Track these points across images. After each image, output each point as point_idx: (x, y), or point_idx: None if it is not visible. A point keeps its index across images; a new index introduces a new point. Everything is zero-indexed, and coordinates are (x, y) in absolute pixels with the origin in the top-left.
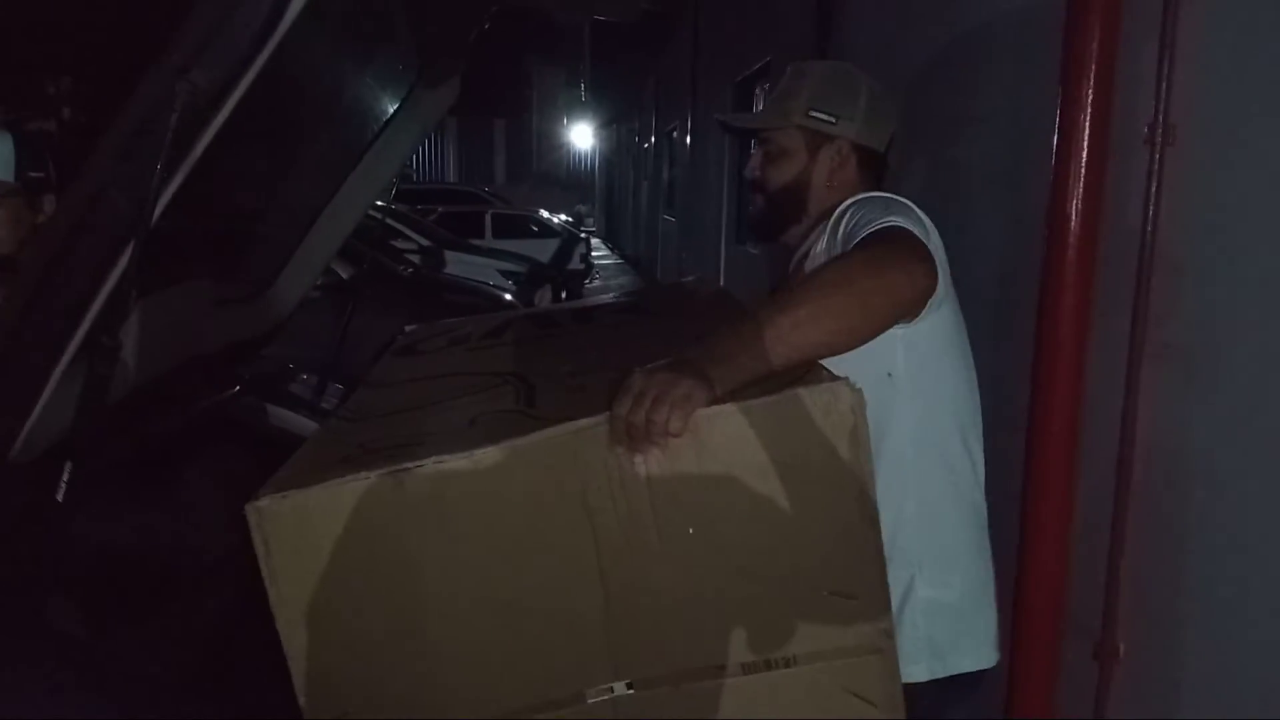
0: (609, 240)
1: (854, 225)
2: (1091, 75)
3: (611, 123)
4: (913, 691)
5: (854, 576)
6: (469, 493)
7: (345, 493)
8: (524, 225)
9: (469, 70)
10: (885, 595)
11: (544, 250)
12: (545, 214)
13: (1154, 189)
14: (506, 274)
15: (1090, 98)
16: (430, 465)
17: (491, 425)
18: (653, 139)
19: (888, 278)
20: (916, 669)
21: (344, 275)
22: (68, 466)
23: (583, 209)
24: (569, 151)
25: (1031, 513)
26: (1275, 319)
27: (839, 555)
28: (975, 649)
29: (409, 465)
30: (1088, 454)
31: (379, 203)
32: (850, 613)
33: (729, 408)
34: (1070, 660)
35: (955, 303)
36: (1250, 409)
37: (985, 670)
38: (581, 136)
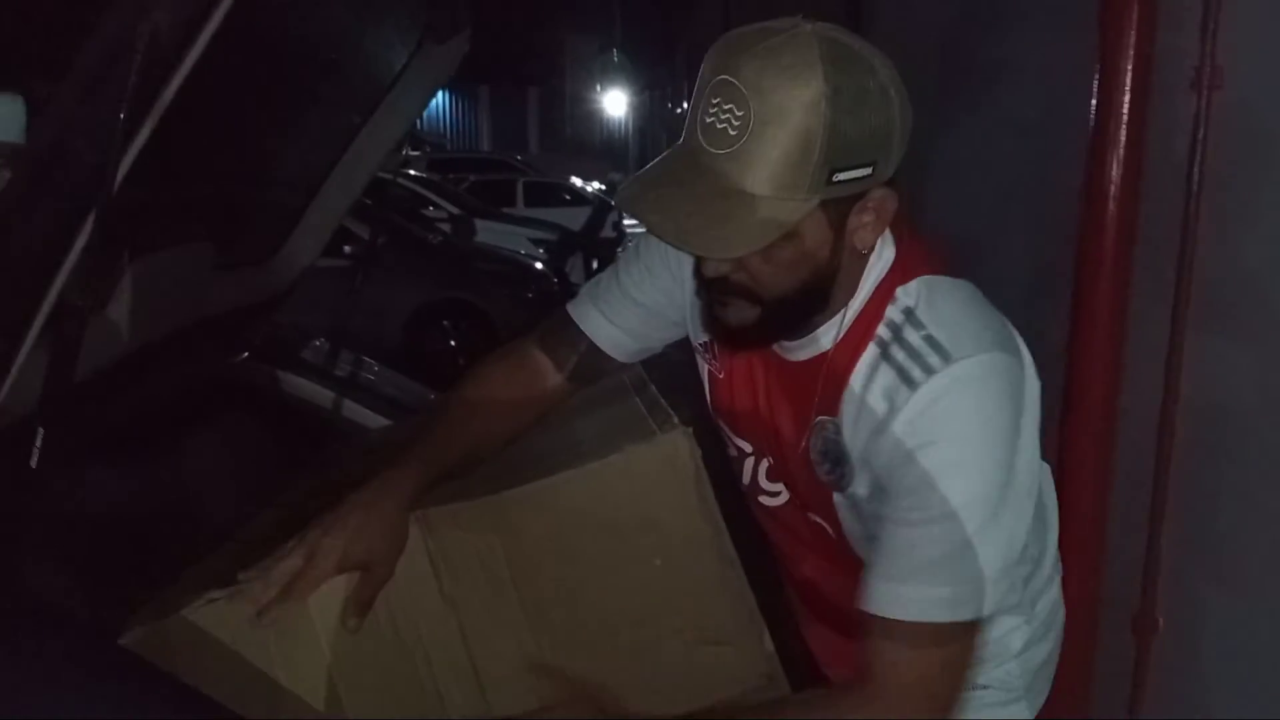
0: None
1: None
2: (1133, 15)
3: (644, 90)
4: None
5: (725, 623)
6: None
7: (194, 618)
8: (556, 193)
9: (496, 35)
10: (759, 634)
11: (576, 219)
12: (578, 182)
13: (1200, 135)
14: (538, 242)
15: (1132, 39)
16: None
17: None
18: (685, 105)
19: None
20: (1018, 708)
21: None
22: (40, 431)
23: (616, 177)
24: (602, 119)
25: (1067, 479)
26: None
27: (706, 604)
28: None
29: (245, 579)
30: (1126, 417)
31: (411, 171)
32: (730, 660)
33: (569, 474)
34: (1107, 632)
35: None
36: None
37: None
38: (615, 104)
